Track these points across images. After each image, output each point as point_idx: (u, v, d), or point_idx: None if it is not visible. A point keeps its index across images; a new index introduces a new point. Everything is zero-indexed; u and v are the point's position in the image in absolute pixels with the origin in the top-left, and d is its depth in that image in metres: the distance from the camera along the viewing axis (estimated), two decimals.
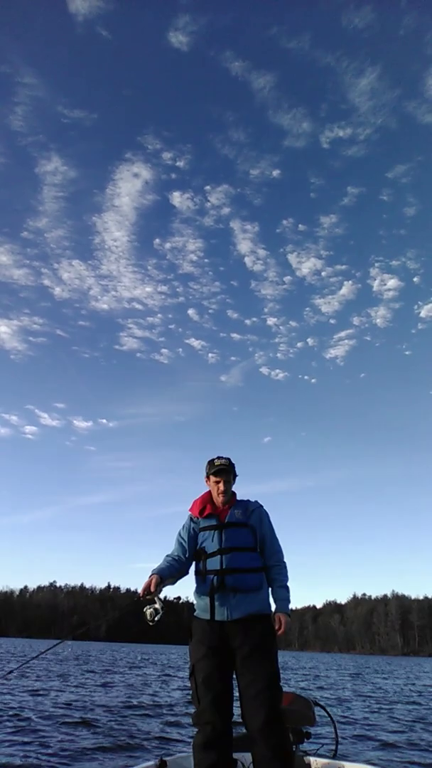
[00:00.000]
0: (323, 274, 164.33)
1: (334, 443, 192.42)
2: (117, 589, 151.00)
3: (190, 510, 3.28)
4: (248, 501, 3.28)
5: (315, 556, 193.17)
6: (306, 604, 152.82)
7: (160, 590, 2.95)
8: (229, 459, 3.30)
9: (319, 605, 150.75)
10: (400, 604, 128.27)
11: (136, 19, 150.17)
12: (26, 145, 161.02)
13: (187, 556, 3.16)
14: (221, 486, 3.19)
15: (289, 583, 3.16)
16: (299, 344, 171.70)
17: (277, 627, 3.00)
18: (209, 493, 3.28)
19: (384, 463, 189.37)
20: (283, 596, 3.09)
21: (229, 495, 3.24)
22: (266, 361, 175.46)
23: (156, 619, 2.89)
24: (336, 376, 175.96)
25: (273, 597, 3.11)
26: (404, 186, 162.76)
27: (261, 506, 3.26)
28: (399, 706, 12.10)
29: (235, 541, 3.06)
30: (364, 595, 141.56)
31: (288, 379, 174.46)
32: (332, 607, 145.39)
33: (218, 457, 3.29)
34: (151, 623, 2.91)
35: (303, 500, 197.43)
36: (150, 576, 2.99)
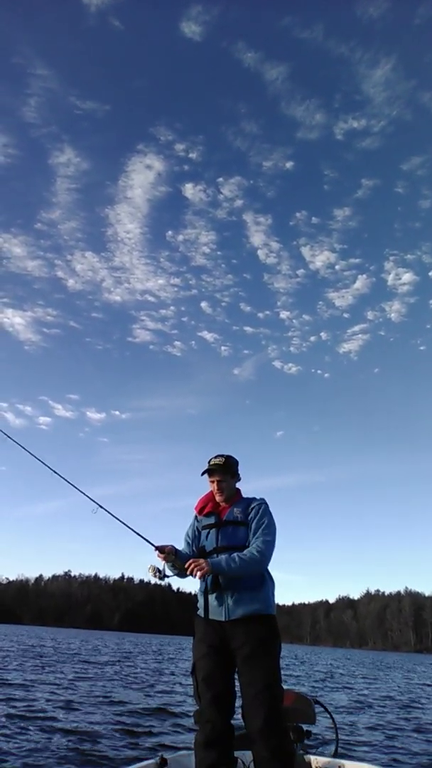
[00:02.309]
0: (337, 267, 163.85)
1: (348, 438, 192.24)
2: (131, 579, 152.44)
3: (195, 508, 3.27)
4: (252, 498, 3.19)
5: (328, 552, 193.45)
6: (319, 599, 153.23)
7: (171, 559, 3.00)
8: (226, 457, 3.21)
9: (332, 600, 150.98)
10: (413, 600, 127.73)
11: (148, 9, 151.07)
12: (39, 136, 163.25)
13: (193, 554, 3.14)
14: (215, 485, 3.15)
15: (243, 569, 2.84)
16: (312, 338, 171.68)
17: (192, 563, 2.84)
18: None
19: (398, 459, 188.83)
20: (227, 559, 2.86)
21: (228, 493, 3.17)
22: (279, 354, 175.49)
23: (156, 576, 2.99)
24: (349, 371, 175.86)
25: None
26: (419, 178, 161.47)
27: (263, 502, 3.15)
28: (403, 705, 12.04)
29: (231, 540, 3.01)
30: (378, 591, 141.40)
31: (301, 373, 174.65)
32: (345, 603, 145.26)
33: (215, 456, 3.22)
34: (158, 579, 3.03)
35: (316, 495, 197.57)
36: (170, 544, 3.05)
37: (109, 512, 3.50)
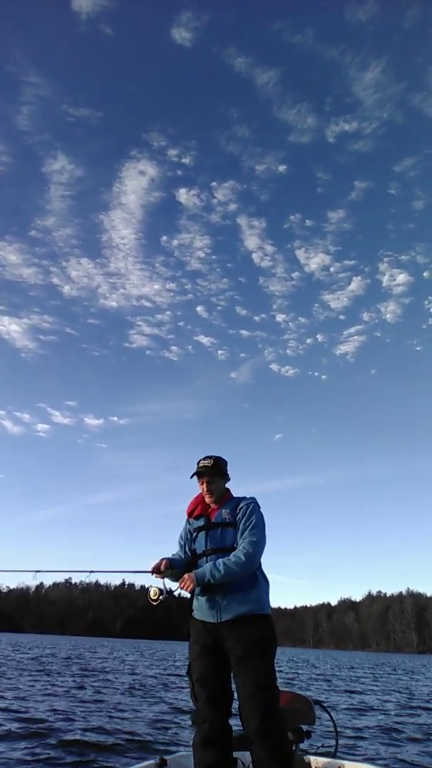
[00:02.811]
0: (332, 269, 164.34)
1: (346, 439, 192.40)
2: (132, 586, 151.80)
3: (185, 511, 3.27)
4: (242, 498, 3.18)
5: (329, 554, 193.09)
6: (320, 602, 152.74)
7: (168, 574, 2.99)
8: (215, 459, 3.21)
9: (333, 602, 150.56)
10: (415, 601, 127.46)
11: (140, 15, 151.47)
12: (32, 144, 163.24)
13: (186, 558, 3.16)
14: (205, 487, 3.15)
15: (229, 575, 2.83)
16: (309, 340, 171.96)
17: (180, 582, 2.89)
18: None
19: (397, 459, 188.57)
20: (211, 568, 2.86)
21: (217, 495, 3.17)
22: (276, 357, 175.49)
23: (160, 598, 2.95)
24: (346, 373, 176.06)
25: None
26: (412, 179, 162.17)
27: (251, 502, 3.12)
28: (405, 706, 12.01)
29: (219, 543, 3.02)
30: (379, 592, 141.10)
31: (298, 375, 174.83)
32: (347, 605, 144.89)
33: (204, 458, 3.22)
34: (154, 602, 2.97)
35: (316, 497, 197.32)
36: (160, 559, 3.02)
37: (101, 571, 3.61)
